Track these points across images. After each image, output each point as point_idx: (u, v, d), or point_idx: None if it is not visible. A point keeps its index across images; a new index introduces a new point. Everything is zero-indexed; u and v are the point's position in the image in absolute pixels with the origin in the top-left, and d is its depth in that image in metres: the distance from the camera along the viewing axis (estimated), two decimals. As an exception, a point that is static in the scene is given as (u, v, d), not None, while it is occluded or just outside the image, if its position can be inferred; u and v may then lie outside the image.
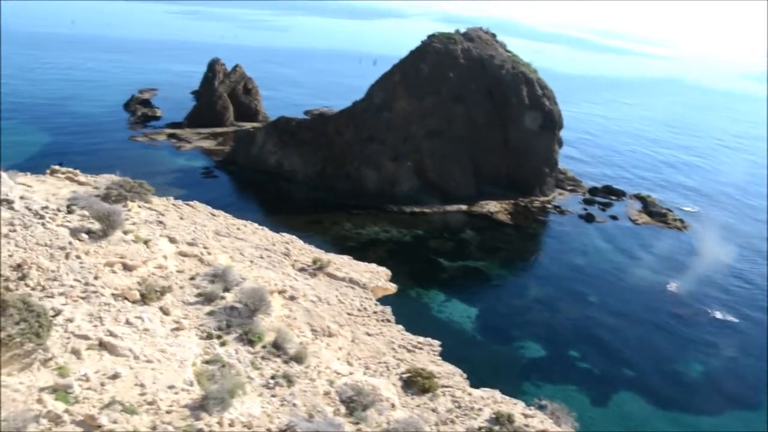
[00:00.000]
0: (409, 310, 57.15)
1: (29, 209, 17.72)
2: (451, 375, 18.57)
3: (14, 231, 16.16)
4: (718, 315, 75.57)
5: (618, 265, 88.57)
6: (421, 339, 19.64)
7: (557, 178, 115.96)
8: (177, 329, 15.35)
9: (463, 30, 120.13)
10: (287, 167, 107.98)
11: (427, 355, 19.08)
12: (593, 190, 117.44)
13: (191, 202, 24.74)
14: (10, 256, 15.02)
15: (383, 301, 22.56)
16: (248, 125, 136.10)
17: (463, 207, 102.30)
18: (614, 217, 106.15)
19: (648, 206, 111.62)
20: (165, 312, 15.85)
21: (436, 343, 19.75)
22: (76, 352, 12.43)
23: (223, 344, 15.56)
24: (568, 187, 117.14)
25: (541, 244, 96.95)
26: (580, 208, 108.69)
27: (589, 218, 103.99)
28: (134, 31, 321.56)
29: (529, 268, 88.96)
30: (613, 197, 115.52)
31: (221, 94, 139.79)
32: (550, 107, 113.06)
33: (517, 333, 68.99)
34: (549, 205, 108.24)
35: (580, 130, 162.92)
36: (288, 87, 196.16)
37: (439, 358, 19.59)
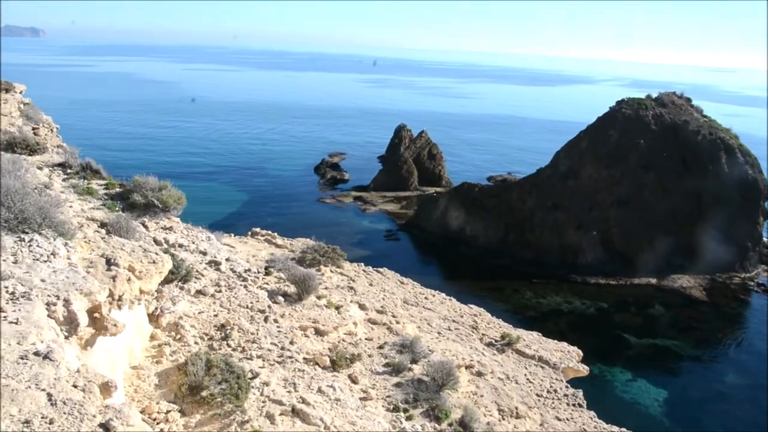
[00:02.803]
0: (591, 388, 54.12)
1: (233, 271, 18.77)
2: (650, 472, 16.96)
3: (220, 292, 17.13)
4: None
5: (836, 355, 78.68)
6: (615, 429, 18.20)
7: (761, 253, 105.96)
8: (364, 399, 15.29)
9: (654, 95, 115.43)
10: (469, 232, 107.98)
11: (621, 447, 17.62)
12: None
13: (381, 269, 25.11)
14: (215, 316, 15.84)
15: (572, 382, 21.34)
16: (432, 190, 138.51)
17: (653, 280, 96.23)
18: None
19: None
20: (353, 380, 15.88)
21: (632, 434, 18.20)
22: (270, 417, 12.61)
23: (409, 418, 15.25)
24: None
25: (742, 326, 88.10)
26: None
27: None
28: (325, 98, 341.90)
29: (726, 351, 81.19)
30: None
31: (406, 159, 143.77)
32: (754, 176, 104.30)
33: (711, 422, 62.67)
34: (751, 283, 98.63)
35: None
36: (472, 153, 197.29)
37: (635, 451, 18.03)
